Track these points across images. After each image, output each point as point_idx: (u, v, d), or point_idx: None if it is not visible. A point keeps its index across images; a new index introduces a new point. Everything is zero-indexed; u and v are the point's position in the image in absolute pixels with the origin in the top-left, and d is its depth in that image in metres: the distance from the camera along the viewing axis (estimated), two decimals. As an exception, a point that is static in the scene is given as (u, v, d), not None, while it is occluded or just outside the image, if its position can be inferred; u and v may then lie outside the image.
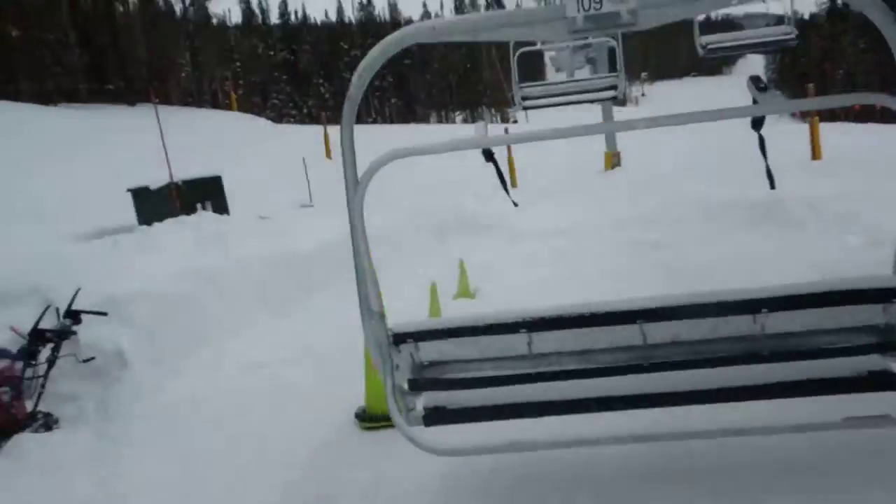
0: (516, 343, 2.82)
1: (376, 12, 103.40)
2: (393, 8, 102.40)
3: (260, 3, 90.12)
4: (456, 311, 6.43)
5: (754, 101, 2.70)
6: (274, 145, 25.98)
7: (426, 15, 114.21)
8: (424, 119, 78.26)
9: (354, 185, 2.58)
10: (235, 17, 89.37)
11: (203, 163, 13.02)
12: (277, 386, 4.85)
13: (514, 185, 17.28)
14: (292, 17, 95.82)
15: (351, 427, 4.14)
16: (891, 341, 2.69)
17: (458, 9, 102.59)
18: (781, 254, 6.97)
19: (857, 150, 15.02)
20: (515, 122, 70.08)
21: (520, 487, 3.25)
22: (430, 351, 2.91)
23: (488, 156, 3.01)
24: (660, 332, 2.76)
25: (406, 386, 2.90)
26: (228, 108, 39.82)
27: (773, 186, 3.07)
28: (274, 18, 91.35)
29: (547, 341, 2.82)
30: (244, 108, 50.04)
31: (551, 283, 6.78)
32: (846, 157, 14.58)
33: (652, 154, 19.75)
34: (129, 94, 33.60)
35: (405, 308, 6.29)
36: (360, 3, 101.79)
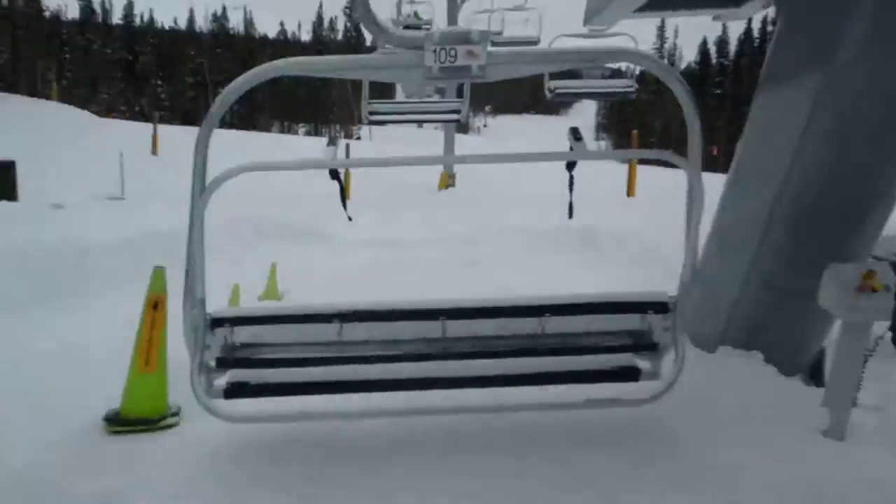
0: (328, 331, 3.07)
1: (231, 24, 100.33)
2: (249, 23, 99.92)
3: (103, 2, 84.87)
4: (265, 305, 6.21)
5: (571, 149, 3.10)
6: (95, 138, 24.03)
7: (283, 33, 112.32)
8: (266, 128, 76.61)
9: (200, 192, 2.75)
10: (74, 13, 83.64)
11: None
12: (20, 384, 4.17)
13: (347, 197, 17.15)
14: (137, 19, 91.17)
15: (96, 431, 3.59)
16: (640, 343, 3.22)
17: (316, 31, 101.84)
18: (586, 280, 7.35)
19: (663, 188, 16.42)
20: (359, 138, 70.26)
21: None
22: (244, 334, 3.10)
23: (334, 174, 3.16)
24: (460, 327, 3.13)
25: (213, 363, 3.06)
26: (49, 97, 36.55)
27: (570, 216, 3.68)
28: (117, 19, 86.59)
29: (357, 330, 3.09)
30: (68, 100, 46.14)
31: (361, 288, 6.69)
32: (654, 194, 15.99)
33: (485, 178, 20.44)
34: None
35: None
36: (214, 15, 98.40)
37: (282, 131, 78.83)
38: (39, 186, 11.79)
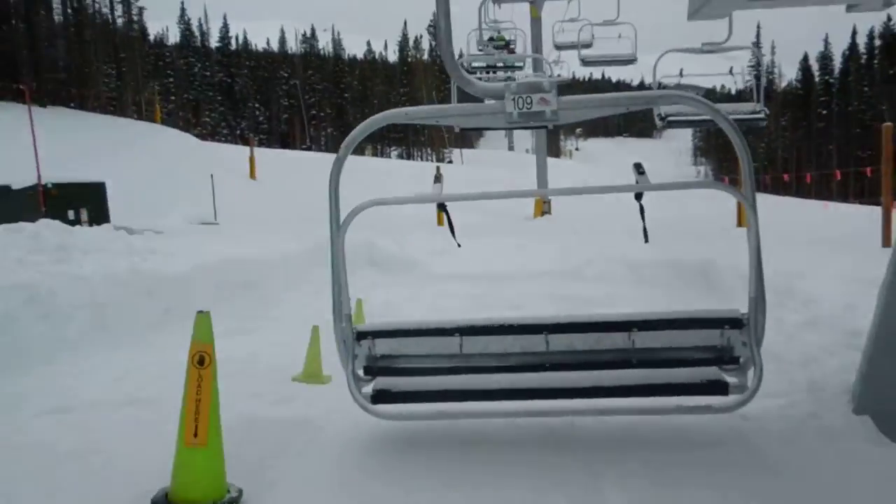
0: (451, 344, 3.54)
1: (320, 45, 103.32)
2: (337, 43, 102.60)
3: (200, 25, 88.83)
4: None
5: (636, 182, 3.40)
6: (194, 161, 24.59)
7: (369, 52, 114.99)
8: (359, 151, 77.96)
9: (337, 225, 3.27)
10: (174, 37, 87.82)
11: (100, 169, 11.75)
12: (72, 439, 3.68)
13: (439, 223, 16.75)
14: (233, 42, 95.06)
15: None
16: (723, 357, 3.45)
17: (402, 49, 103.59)
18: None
19: (771, 217, 15.20)
20: (450, 161, 70.48)
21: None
22: (383, 346, 3.58)
23: (441, 207, 3.72)
24: (559, 342, 3.53)
25: (362, 372, 3.54)
26: (152, 120, 38.14)
27: (646, 241, 3.85)
28: (214, 42, 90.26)
29: (474, 344, 3.54)
30: (174, 123, 48.19)
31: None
32: (763, 224, 14.62)
33: (580, 204, 19.52)
34: (41, 95, 31.58)
35: (281, 349, 5.42)
36: (304, 36, 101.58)
37: (374, 154, 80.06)
38: (134, 208, 11.74)
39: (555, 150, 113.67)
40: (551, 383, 3.43)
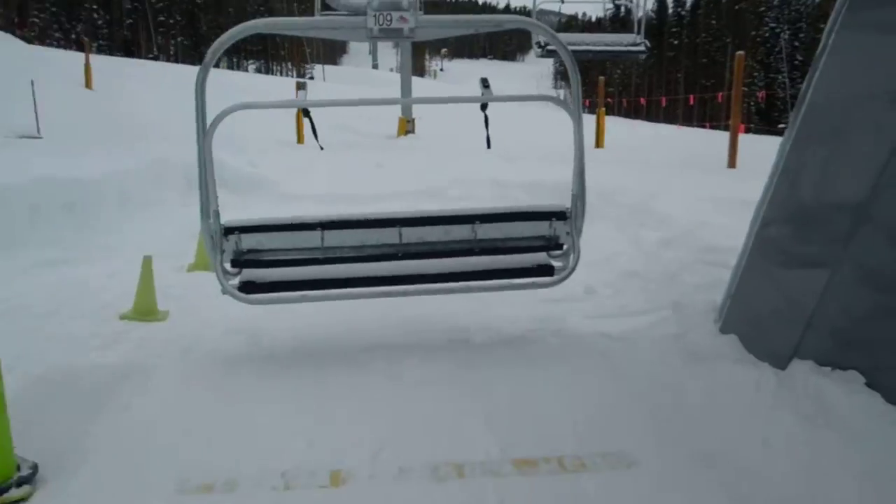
0: (313, 238, 3.76)
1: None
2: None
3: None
4: (188, 284, 5.03)
5: (482, 94, 3.77)
6: (16, 67, 21.69)
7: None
8: (214, 64, 72.80)
9: (203, 130, 3.36)
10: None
11: None
12: None
13: (300, 141, 15.94)
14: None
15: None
16: (550, 244, 3.94)
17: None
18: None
19: (630, 141, 15.74)
20: (312, 78, 67.78)
21: None
22: (250, 241, 3.73)
23: (306, 113, 3.84)
24: (412, 234, 3.83)
25: (229, 265, 3.70)
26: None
27: (489, 147, 4.48)
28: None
29: (335, 238, 3.77)
30: (2, 25, 42.46)
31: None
32: (623, 146, 15.13)
33: (444, 124, 19.22)
34: None
35: (110, 283, 4.76)
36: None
37: (230, 67, 75.05)
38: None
39: (419, 70, 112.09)
40: (405, 271, 3.76)
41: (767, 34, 70.93)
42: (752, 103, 57.30)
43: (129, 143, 10.48)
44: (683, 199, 7.71)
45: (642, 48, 8.47)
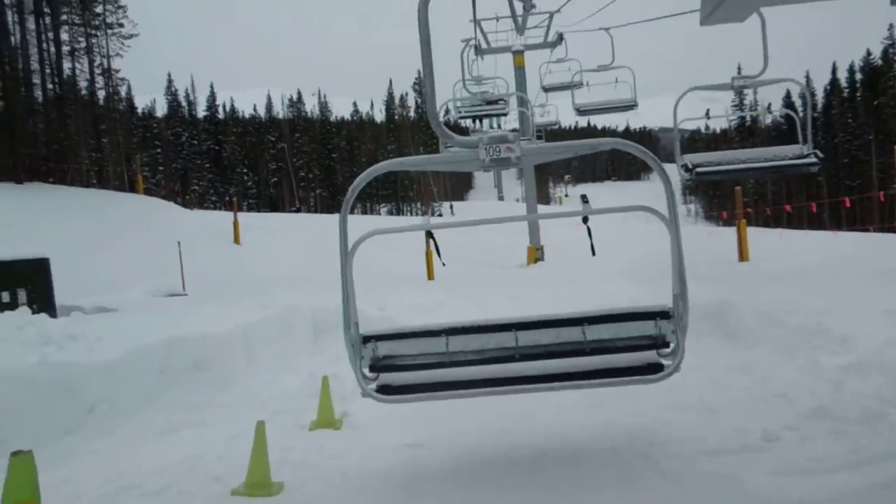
0: (438, 344, 4.15)
1: (307, 108, 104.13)
2: (324, 106, 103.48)
3: (187, 95, 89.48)
4: (309, 447, 4.66)
5: (583, 209, 4.13)
6: (174, 230, 23.78)
7: (355, 114, 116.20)
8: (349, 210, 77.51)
9: (346, 252, 3.75)
10: (162, 109, 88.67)
11: (70, 244, 10.86)
12: None
13: (430, 277, 15.89)
14: (220, 110, 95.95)
15: None
16: (657, 343, 4.05)
17: (388, 107, 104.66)
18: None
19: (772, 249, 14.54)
20: (440, 215, 70.34)
21: None
22: (384, 348, 4.15)
23: (429, 234, 4.45)
24: (526, 337, 4.14)
25: (367, 371, 4.07)
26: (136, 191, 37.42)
27: (593, 254, 4.74)
28: (201, 111, 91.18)
29: (458, 342, 4.15)
30: (165, 195, 47.51)
31: (456, 415, 5.10)
32: (767, 256, 13.98)
33: (573, 249, 18.77)
34: (18, 171, 30.90)
35: (227, 449, 4.42)
36: (291, 100, 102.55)
37: (363, 212, 79.62)
38: (91, 285, 10.81)
39: (544, 197, 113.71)
40: (521, 372, 3.91)
41: (914, 126, 66.52)
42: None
43: (267, 293, 10.73)
44: (863, 313, 6.65)
45: (814, 160, 7.64)
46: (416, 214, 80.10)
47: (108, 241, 18.11)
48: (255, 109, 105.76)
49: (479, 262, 18.47)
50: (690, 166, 7.48)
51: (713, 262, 14.15)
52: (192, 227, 25.28)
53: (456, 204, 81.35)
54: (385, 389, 3.94)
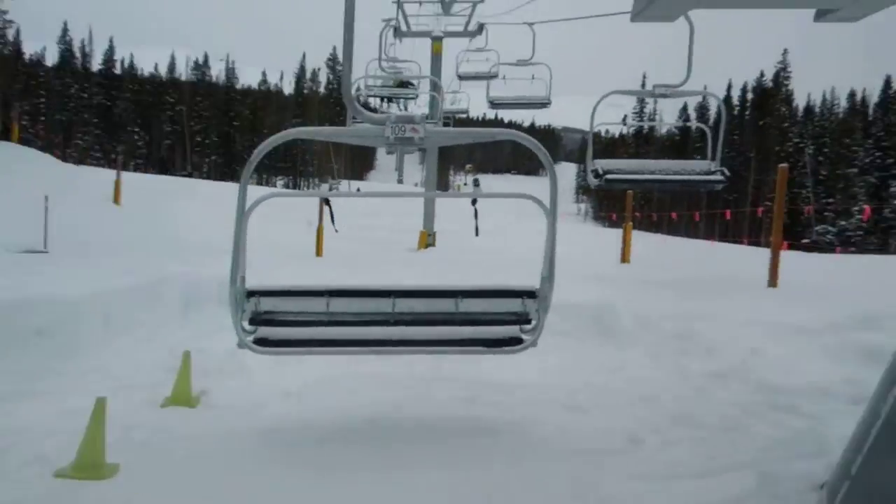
0: (320, 304, 4.37)
1: (212, 74, 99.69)
2: (231, 73, 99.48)
3: (83, 47, 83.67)
4: (157, 426, 4.29)
5: (474, 191, 4.28)
6: (46, 183, 22.00)
7: (264, 83, 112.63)
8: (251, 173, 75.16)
9: (242, 209, 3.86)
10: (53, 58, 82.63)
11: None
12: None
13: (318, 254, 15.46)
14: (118, 66, 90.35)
15: None
16: (521, 320, 4.38)
17: (299, 81, 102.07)
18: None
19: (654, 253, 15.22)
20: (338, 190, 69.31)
21: None
22: (267, 304, 4.33)
23: (326, 201, 4.48)
24: (403, 304, 4.41)
25: (247, 324, 4.22)
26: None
27: (477, 234, 4.72)
28: (97, 65, 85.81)
29: (339, 305, 4.38)
30: (43, 146, 44.16)
31: (318, 401, 4.85)
32: (649, 260, 14.55)
33: (466, 236, 18.85)
34: None
35: (63, 424, 4.01)
36: (196, 63, 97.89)
37: (259, 183, 77.13)
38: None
39: (444, 185, 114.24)
40: (395, 336, 4.21)
41: (791, 149, 71.54)
42: (768, 219, 57.16)
43: (139, 258, 10.04)
44: (728, 323, 6.91)
45: (720, 178, 7.69)
46: (314, 188, 78.68)
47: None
48: (156, 69, 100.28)
49: (373, 243, 18.20)
50: (601, 172, 7.45)
51: (598, 262, 14.53)
52: (68, 182, 23.56)
53: (355, 183, 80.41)
54: (262, 342, 4.13)
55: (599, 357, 6.29)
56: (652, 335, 6.69)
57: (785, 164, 10.64)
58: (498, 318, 4.41)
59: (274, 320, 4.28)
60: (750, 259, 15.38)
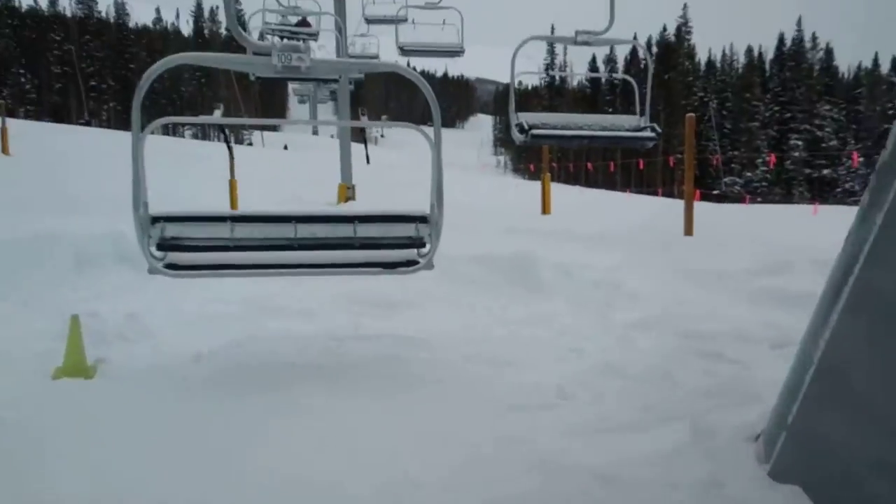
0: (224, 229, 4.48)
1: (100, 10, 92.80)
2: (120, 8, 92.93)
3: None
4: (42, 402, 3.86)
5: (361, 120, 4.89)
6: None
7: (158, 22, 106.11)
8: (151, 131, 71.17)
9: (137, 134, 3.98)
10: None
11: None
12: None
13: (233, 207, 14.71)
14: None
15: None
16: (415, 244, 4.61)
17: (197, 21, 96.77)
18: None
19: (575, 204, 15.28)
20: (251, 144, 66.91)
21: None
22: (172, 230, 4.40)
23: (228, 146, 4.12)
24: (305, 230, 4.61)
25: (154, 249, 4.29)
26: None
27: (368, 162, 4.96)
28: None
29: (243, 230, 4.52)
30: None
31: (226, 375, 4.51)
32: (569, 210, 14.65)
33: (388, 189, 18.54)
34: None
35: None
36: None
37: (165, 134, 73.40)
38: None
39: (360, 136, 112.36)
40: (298, 260, 4.42)
41: (696, 103, 74.05)
42: (680, 170, 59.46)
43: (27, 213, 9.24)
44: (649, 272, 6.95)
45: (652, 134, 7.44)
46: (222, 142, 75.81)
47: None
48: (35, 2, 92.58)
49: (291, 196, 17.57)
50: (526, 126, 7.12)
51: (519, 215, 14.52)
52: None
53: (267, 135, 77.73)
54: (172, 267, 4.25)
55: (522, 308, 6.18)
56: (575, 285, 6.64)
57: (692, 114, 10.78)
58: (395, 243, 4.66)
59: (181, 245, 4.38)
60: (666, 211, 15.78)
